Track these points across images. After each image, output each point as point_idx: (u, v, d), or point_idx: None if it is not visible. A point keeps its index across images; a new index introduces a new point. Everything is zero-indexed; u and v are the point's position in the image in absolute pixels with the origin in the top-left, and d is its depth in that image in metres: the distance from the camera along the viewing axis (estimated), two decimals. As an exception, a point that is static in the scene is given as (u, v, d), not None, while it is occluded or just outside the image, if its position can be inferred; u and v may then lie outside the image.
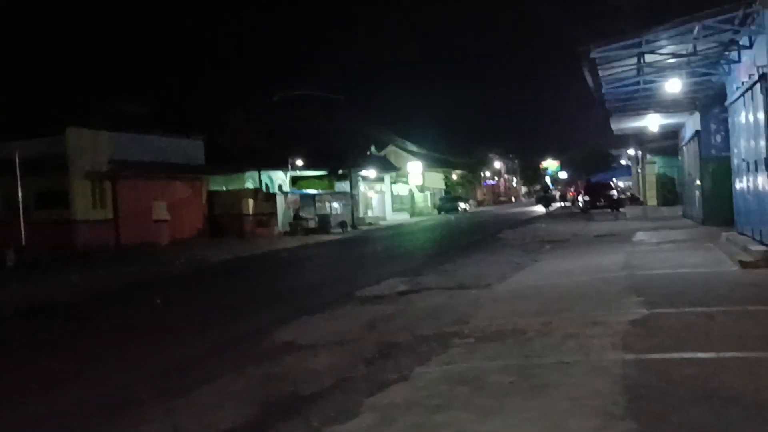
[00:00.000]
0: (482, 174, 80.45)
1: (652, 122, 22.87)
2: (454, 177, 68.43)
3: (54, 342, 9.41)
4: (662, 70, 15.48)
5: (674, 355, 5.64)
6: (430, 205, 58.55)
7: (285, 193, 35.62)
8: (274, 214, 33.22)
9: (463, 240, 23.45)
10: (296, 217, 33.59)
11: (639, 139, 31.05)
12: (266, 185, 37.45)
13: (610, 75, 15.54)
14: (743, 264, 10.37)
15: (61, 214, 25.43)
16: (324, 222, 33.58)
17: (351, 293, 11.72)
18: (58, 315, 11.97)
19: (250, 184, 36.16)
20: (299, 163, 39.60)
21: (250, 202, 33.15)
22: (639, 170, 36.27)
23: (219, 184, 34.68)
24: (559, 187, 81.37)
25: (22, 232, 22.85)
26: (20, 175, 23.30)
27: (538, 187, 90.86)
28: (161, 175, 29.10)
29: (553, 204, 56.01)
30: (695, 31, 12.08)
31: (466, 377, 5.60)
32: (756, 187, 11.71)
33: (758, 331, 6.29)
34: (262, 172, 36.66)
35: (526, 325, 7.53)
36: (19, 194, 23.39)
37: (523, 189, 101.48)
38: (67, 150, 25.64)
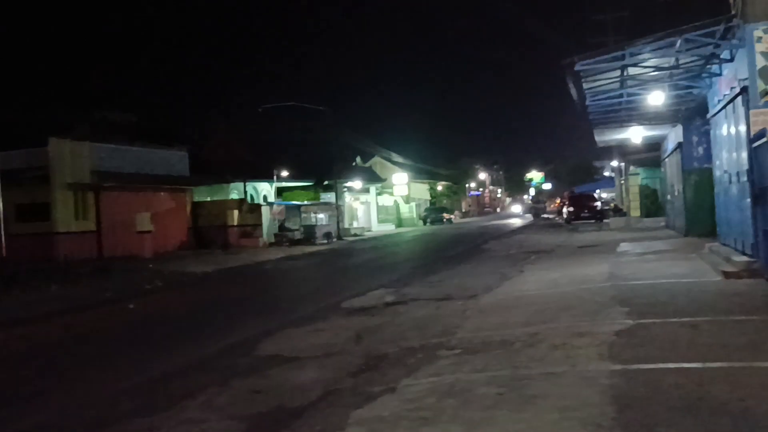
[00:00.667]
0: (467, 185, 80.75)
1: (635, 134, 23.10)
2: (440, 188, 68.61)
3: (35, 356, 9.25)
4: (645, 83, 15.65)
5: (661, 365, 5.65)
6: (415, 216, 58.59)
7: (270, 204, 35.48)
8: (259, 225, 33.06)
9: (449, 251, 23.46)
10: (281, 228, 33.45)
11: (622, 150, 31.33)
12: (251, 196, 37.29)
13: (594, 87, 15.67)
14: (726, 274, 10.46)
15: (42, 226, 25.11)
16: (309, 233, 33.47)
17: (337, 304, 11.67)
18: (39, 329, 11.77)
19: (235, 195, 35.98)
20: (284, 173, 39.51)
21: (235, 213, 32.98)
22: (622, 182, 36.57)
23: (203, 195, 34.48)
24: (533, 198, 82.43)
25: (3, 245, 22.51)
26: (1, 187, 22.98)
27: (526, 196, 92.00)
28: (145, 186, 28.87)
29: (542, 214, 56.63)
30: (677, 44, 12.22)
31: (454, 389, 5.57)
32: (738, 198, 11.84)
33: (743, 340, 6.32)
34: (247, 183, 36.51)
35: (513, 336, 7.53)
36: (0, 206, 23.07)
37: (508, 200, 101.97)
38: (50, 161, 25.37)
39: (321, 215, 35.78)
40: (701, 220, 17.85)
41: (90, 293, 16.12)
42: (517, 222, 49.58)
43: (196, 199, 33.40)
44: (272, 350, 8.17)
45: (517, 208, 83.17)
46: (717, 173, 14.27)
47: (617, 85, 15.67)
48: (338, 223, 37.56)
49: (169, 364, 7.89)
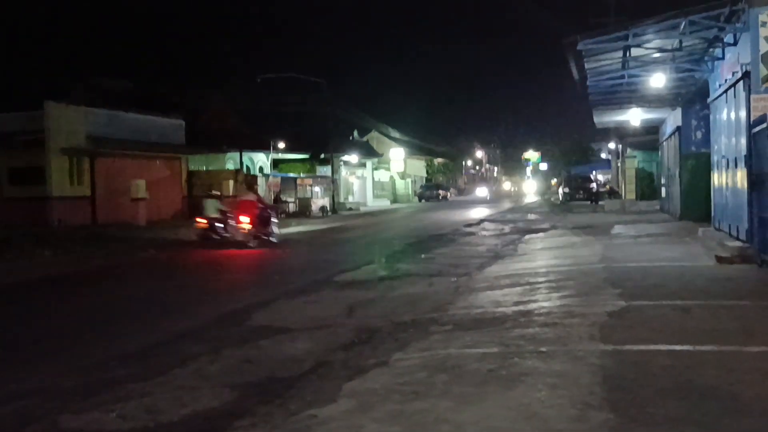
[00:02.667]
0: (464, 163, 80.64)
1: (634, 117, 23.05)
2: (436, 165, 68.48)
3: (25, 322, 9.24)
4: (647, 65, 15.56)
5: (651, 347, 5.69)
6: (410, 192, 58.59)
7: (266, 176, 35.35)
8: (254, 196, 32.93)
9: (443, 228, 23.47)
10: (276, 200, 33.39)
11: (620, 133, 31.30)
12: (247, 167, 37.13)
13: (595, 68, 15.57)
14: (719, 259, 10.50)
15: (36, 190, 24.97)
16: (304, 206, 33.46)
17: (330, 278, 11.68)
18: (29, 294, 11.76)
19: (230, 166, 35.81)
20: (281, 145, 39.32)
21: (230, 183, 32.83)
22: (618, 164, 36.57)
23: (199, 165, 34.29)
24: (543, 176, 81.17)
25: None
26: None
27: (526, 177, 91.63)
28: (140, 154, 28.69)
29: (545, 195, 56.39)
30: (681, 26, 12.13)
31: (445, 364, 5.59)
32: (734, 183, 11.85)
33: (733, 325, 6.36)
34: (243, 153, 36.32)
35: (505, 314, 7.56)
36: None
37: (504, 179, 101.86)
38: (45, 125, 25.13)
39: (317, 188, 35.73)
40: (696, 204, 17.88)
41: (84, 261, 16.07)
42: (509, 202, 49.10)
43: (192, 168, 33.22)
44: (264, 321, 8.18)
45: (483, 192, 66.54)
46: (715, 158, 14.26)
47: (619, 66, 15.57)
48: (333, 197, 37.52)
49: (160, 333, 7.88)
